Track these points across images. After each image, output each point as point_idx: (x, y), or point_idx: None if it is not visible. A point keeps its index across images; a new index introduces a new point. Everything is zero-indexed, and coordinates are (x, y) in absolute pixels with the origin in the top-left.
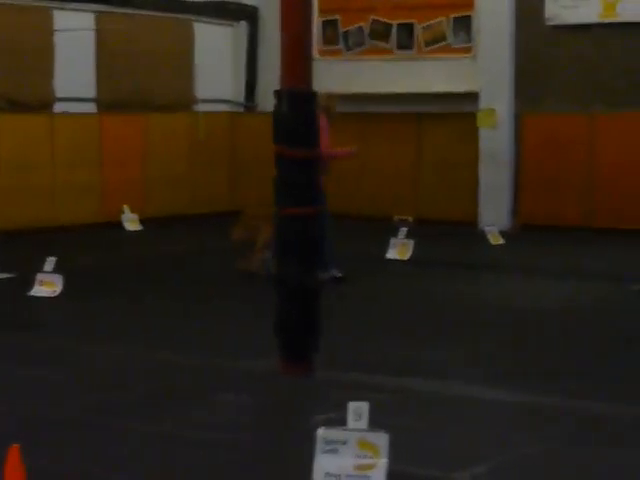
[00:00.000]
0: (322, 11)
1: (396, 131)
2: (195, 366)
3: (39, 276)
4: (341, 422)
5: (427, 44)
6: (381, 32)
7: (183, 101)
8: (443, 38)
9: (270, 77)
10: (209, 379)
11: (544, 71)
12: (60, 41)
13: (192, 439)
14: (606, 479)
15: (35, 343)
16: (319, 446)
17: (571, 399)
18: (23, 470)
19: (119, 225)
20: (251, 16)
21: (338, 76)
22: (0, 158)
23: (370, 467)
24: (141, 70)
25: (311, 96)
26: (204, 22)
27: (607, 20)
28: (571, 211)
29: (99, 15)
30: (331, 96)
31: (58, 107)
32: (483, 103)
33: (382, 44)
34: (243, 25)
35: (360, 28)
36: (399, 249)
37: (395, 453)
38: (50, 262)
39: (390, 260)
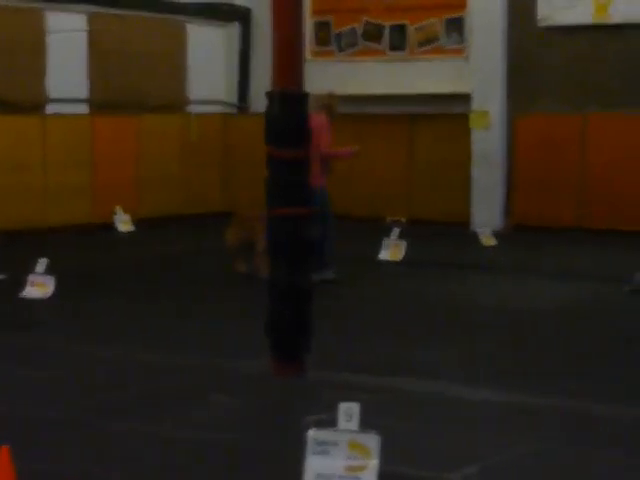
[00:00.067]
0: (314, 12)
1: (389, 132)
2: (188, 367)
3: (31, 277)
4: (332, 423)
5: (420, 45)
6: (374, 33)
7: (176, 102)
8: (436, 39)
9: (263, 78)
10: (203, 380)
11: (537, 72)
12: (52, 42)
13: (183, 439)
14: None
15: (29, 344)
16: (310, 447)
17: (565, 399)
18: (13, 472)
19: (111, 226)
20: (244, 17)
21: (330, 77)
22: None
23: (361, 468)
24: (134, 71)
25: (302, 97)
26: (197, 23)
27: (599, 21)
28: (564, 212)
29: (92, 16)
30: (333, 95)
31: (50, 108)
32: (476, 104)
33: (375, 45)
34: (236, 26)
35: (353, 29)
36: (392, 250)
37: (386, 454)
38: (42, 263)
39: (382, 261)
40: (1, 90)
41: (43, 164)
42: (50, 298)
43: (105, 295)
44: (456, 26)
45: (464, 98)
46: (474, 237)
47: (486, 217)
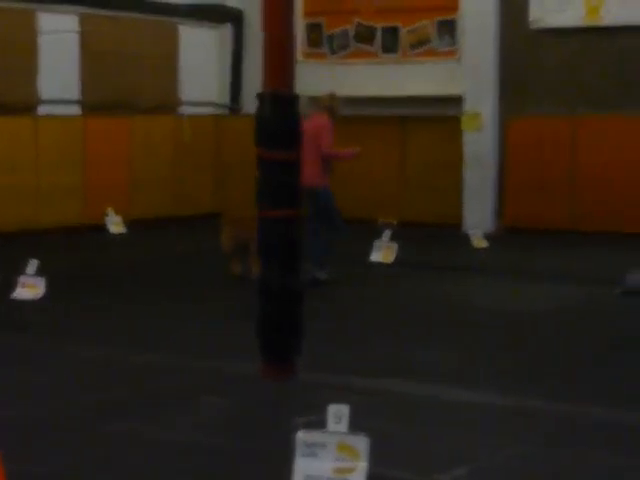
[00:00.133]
0: (306, 14)
1: (381, 134)
2: (178, 368)
3: (21, 279)
4: (321, 425)
5: (412, 47)
6: (366, 35)
7: (168, 103)
8: (428, 41)
9: (255, 80)
10: (195, 381)
11: (528, 74)
12: (44, 43)
13: (175, 441)
14: None
15: (20, 345)
16: (299, 449)
17: (559, 401)
18: (2, 474)
19: (103, 228)
20: (236, 18)
21: (322, 79)
22: None
23: (350, 470)
24: (126, 72)
25: (293, 99)
26: (189, 24)
27: (591, 23)
28: (555, 214)
29: (84, 17)
30: (334, 96)
31: (42, 109)
32: (468, 106)
33: (367, 47)
34: (228, 27)
35: (345, 31)
36: (383, 252)
37: (375, 456)
38: (33, 264)
39: (374, 263)
40: None
41: (35, 165)
42: (41, 299)
43: (96, 296)
44: (448, 28)
45: (456, 100)
46: (465, 239)
47: (478, 219)
